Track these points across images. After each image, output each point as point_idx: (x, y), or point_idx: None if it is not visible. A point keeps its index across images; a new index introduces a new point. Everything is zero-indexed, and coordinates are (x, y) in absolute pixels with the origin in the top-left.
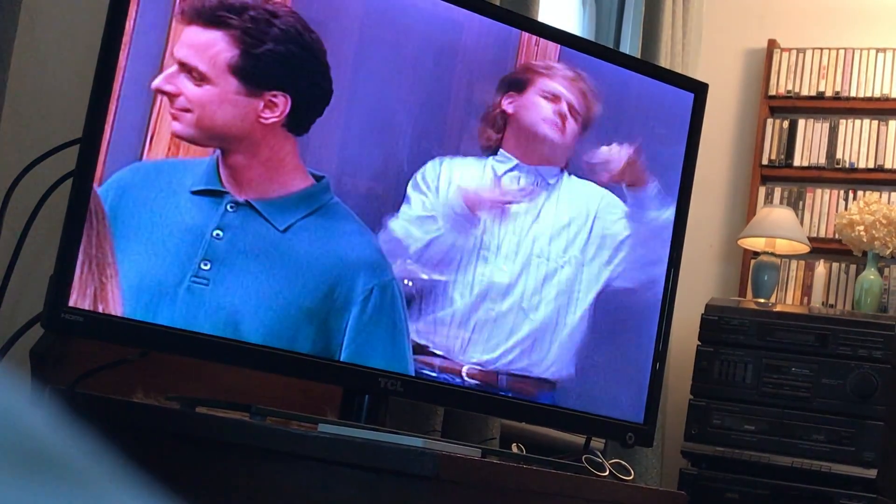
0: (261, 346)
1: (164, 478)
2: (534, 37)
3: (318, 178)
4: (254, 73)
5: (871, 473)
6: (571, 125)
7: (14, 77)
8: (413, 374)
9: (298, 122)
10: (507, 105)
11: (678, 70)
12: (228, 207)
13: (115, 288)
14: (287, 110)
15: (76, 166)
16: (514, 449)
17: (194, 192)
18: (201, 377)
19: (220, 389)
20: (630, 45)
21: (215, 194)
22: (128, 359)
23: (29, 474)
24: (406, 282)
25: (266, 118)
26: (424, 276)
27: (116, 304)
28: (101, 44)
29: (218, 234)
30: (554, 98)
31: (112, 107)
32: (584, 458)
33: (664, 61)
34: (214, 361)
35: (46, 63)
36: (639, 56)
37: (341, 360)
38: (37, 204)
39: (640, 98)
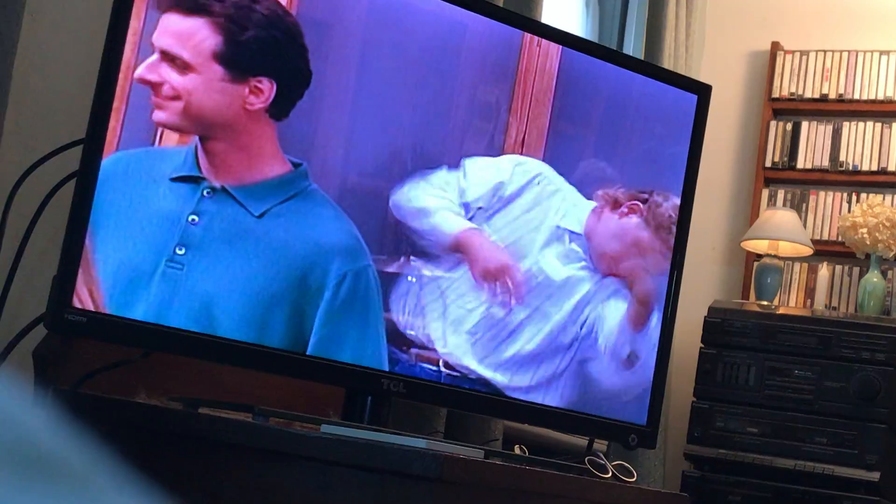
0: (262, 346)
1: (167, 478)
2: (535, 38)
3: (296, 165)
4: (238, 59)
5: (874, 476)
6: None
7: (17, 78)
8: (387, 364)
9: (281, 107)
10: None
11: (681, 72)
12: (205, 193)
13: (96, 278)
14: (272, 95)
15: (79, 167)
16: (517, 450)
17: (173, 179)
18: (204, 378)
19: (222, 390)
20: (633, 46)
21: (193, 180)
22: (130, 359)
23: (32, 475)
24: (409, 278)
25: (252, 104)
26: (428, 273)
27: (99, 295)
28: (104, 43)
29: (193, 220)
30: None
31: (121, 106)
32: (586, 459)
33: (667, 63)
34: (231, 365)
35: (49, 63)
36: (642, 58)
37: (310, 344)
38: (40, 205)
39: (643, 99)
